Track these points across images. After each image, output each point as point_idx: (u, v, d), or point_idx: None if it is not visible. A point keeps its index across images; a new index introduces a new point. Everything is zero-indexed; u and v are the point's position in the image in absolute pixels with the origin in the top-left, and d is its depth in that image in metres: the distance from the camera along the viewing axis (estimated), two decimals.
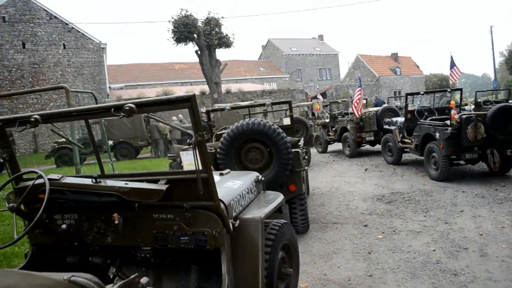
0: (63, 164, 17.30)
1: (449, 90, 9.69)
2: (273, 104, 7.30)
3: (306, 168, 5.82)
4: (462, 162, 8.44)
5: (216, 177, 3.48)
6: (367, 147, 13.76)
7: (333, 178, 9.66)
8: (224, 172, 3.61)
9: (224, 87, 32.14)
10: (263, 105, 6.95)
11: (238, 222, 2.75)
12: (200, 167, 2.38)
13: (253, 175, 3.66)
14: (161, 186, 2.49)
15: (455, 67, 9.82)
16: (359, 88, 12.08)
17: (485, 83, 78.43)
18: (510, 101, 16.85)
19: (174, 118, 19.44)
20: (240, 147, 5.02)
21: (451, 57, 9.76)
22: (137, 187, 2.49)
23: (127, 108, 2.24)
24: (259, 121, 4.85)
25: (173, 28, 26.96)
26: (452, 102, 7.74)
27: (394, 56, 56.64)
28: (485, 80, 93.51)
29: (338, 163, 11.95)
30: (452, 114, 7.60)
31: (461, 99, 9.92)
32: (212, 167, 5.08)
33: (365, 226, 5.86)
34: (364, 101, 15.42)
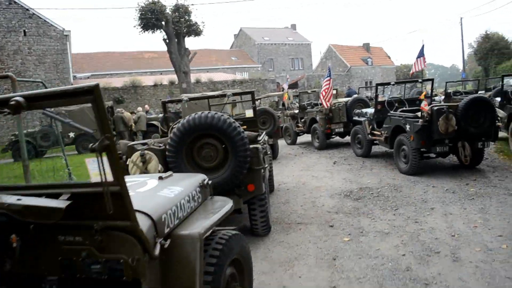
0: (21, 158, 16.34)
1: (420, 80, 9.38)
2: (235, 94, 6.78)
3: (267, 166, 5.34)
4: (432, 155, 8.16)
5: (154, 181, 2.97)
6: (337, 138, 13.44)
7: (300, 172, 9.26)
8: (164, 175, 3.10)
9: (194, 77, 31.41)
10: (225, 95, 6.40)
11: (168, 241, 2.26)
12: (110, 178, 1.86)
13: (198, 178, 3.17)
14: (61, 203, 1.96)
15: (422, 57, 9.46)
16: (328, 78, 11.68)
17: (454, 74, 79.73)
18: (479, 92, 16.83)
19: (140, 109, 18.67)
20: (192, 144, 4.50)
21: (422, 46, 9.42)
22: (31, 204, 1.95)
23: (13, 103, 1.71)
24: (212, 114, 4.34)
25: (139, 15, 26.04)
26: (424, 93, 7.39)
27: (366, 47, 56.71)
28: (453, 71, 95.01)
29: (307, 156, 11.57)
30: (423, 105, 7.26)
31: (432, 89, 9.65)
32: (161, 166, 4.59)
33: (331, 226, 5.46)
34: (334, 92, 15.10)
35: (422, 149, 7.75)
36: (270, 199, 7.09)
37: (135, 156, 4.43)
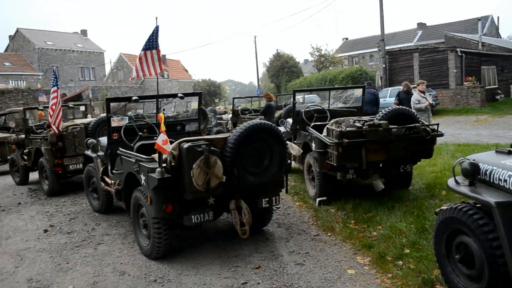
0: None
1: (180, 95, 6.00)
2: None
3: None
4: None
5: None
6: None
7: None
8: None
9: None
10: None
11: None
12: None
13: None
14: None
15: (154, 50, 5.93)
16: (55, 89, 7.58)
17: (251, 91, 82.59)
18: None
19: None
20: None
21: (156, 28, 5.85)
22: None
23: None
24: None
25: None
26: (161, 115, 4.00)
27: (162, 58, 53.76)
28: (251, 88, 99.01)
29: (21, 210, 7.21)
30: (159, 142, 3.80)
31: (199, 108, 6.43)
32: None
33: None
34: (83, 108, 11.06)
35: (169, 217, 4.34)
36: None
37: None
